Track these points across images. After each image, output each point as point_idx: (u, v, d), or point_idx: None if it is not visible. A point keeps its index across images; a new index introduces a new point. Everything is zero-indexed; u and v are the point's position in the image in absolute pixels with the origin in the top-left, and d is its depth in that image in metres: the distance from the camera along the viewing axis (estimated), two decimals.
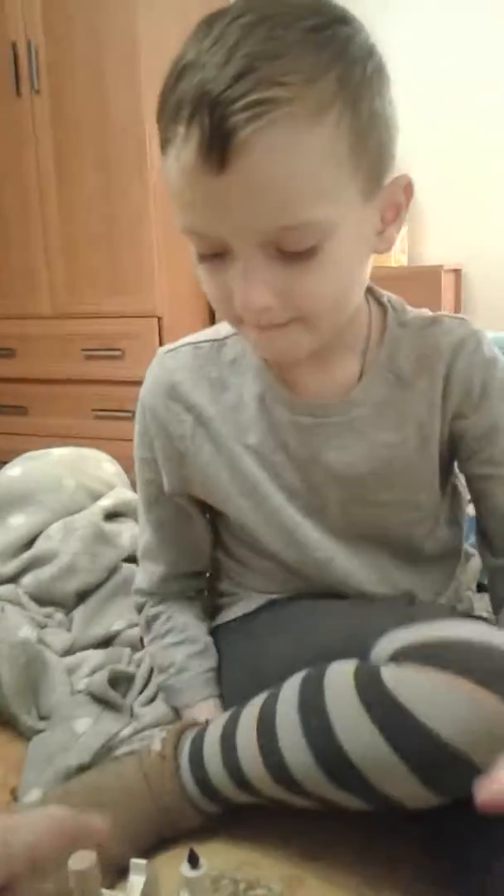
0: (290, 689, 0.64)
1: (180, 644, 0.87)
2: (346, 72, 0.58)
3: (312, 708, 0.61)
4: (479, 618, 0.74)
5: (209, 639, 0.88)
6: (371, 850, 0.68)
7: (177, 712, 0.86)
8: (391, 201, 0.67)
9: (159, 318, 2.50)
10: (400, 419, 0.75)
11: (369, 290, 0.76)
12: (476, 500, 0.82)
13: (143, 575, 0.92)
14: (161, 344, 2.48)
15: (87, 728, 0.84)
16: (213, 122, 0.55)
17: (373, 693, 0.58)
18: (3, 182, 2.59)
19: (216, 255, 0.63)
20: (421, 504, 0.79)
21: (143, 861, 0.56)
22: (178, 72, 0.58)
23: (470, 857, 0.59)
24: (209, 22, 0.58)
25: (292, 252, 0.60)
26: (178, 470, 0.82)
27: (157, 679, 0.90)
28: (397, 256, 2.48)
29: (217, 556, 0.90)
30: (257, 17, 0.56)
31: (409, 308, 0.78)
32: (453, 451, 0.79)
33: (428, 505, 0.80)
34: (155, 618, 0.90)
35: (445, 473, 0.81)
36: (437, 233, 2.50)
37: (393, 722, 0.56)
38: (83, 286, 2.58)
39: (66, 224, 2.55)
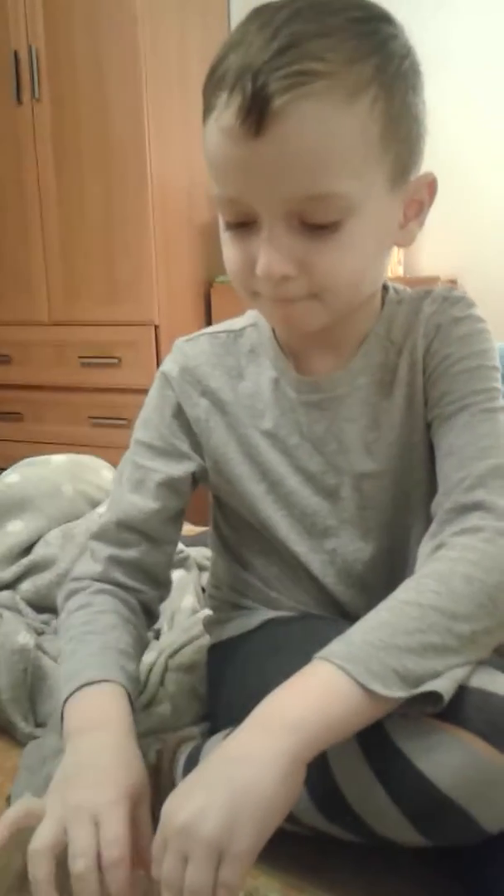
0: None
1: (97, 634, 0.74)
2: (385, 62, 0.62)
3: None
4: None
5: (135, 649, 0.77)
6: (371, 862, 0.68)
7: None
8: (415, 197, 0.70)
9: (156, 327, 2.51)
10: (395, 382, 0.77)
11: (384, 287, 0.79)
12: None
13: (86, 561, 0.82)
14: (158, 352, 2.49)
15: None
16: (254, 88, 0.58)
17: (373, 738, 0.57)
18: (3, 189, 2.59)
19: (243, 225, 0.65)
20: (415, 469, 0.77)
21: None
22: (228, 48, 0.62)
23: (483, 879, 0.59)
24: (258, 10, 0.62)
25: (316, 225, 0.63)
26: (195, 452, 0.82)
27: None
28: (394, 267, 2.50)
29: (219, 561, 0.90)
30: (306, 4, 0.60)
31: (410, 290, 0.80)
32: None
33: (418, 479, 0.77)
34: (85, 605, 0.77)
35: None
36: (433, 245, 2.51)
37: (392, 769, 0.56)
38: (80, 294, 2.58)
39: (64, 231, 2.56)
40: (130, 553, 0.80)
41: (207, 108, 0.64)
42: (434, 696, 0.55)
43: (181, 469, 0.81)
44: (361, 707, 0.55)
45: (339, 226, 0.63)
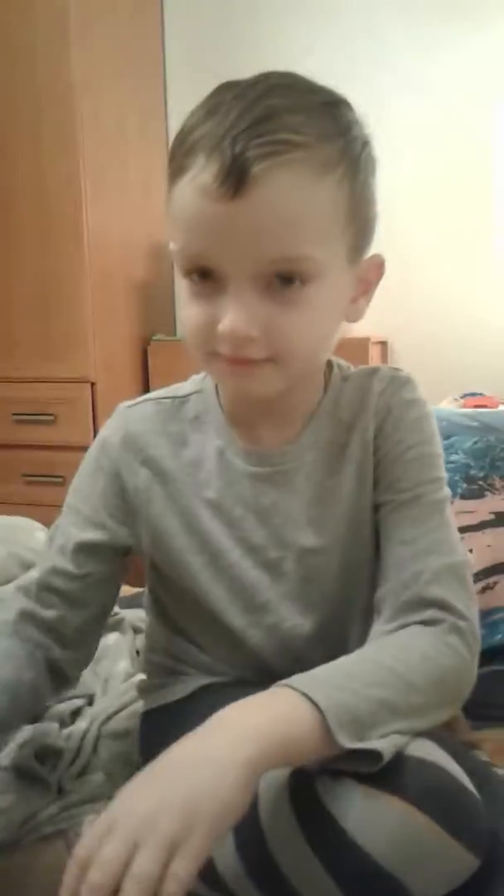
0: None
1: None
2: (350, 144, 0.67)
3: (245, 818, 0.57)
4: None
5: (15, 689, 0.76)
6: None
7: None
8: (365, 276, 0.74)
9: (93, 384, 2.50)
10: (344, 460, 0.78)
11: (327, 363, 0.81)
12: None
13: (5, 609, 0.82)
14: (94, 409, 2.48)
15: (9, 804, 0.81)
16: (234, 152, 0.61)
17: (308, 807, 0.57)
18: None
19: (207, 284, 0.67)
20: (363, 547, 0.79)
21: None
22: (201, 116, 0.65)
23: None
24: (229, 84, 0.66)
25: (285, 280, 0.65)
26: (130, 520, 0.81)
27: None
28: None
29: (154, 625, 0.89)
30: (277, 83, 0.65)
31: (353, 367, 0.83)
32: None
33: (365, 557, 0.79)
34: None
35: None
36: None
37: (326, 839, 0.56)
38: (15, 350, 2.56)
39: None
40: (48, 613, 0.80)
41: (179, 170, 0.66)
42: (373, 756, 0.57)
43: (108, 539, 0.80)
44: (316, 735, 0.57)
45: (305, 289, 0.66)
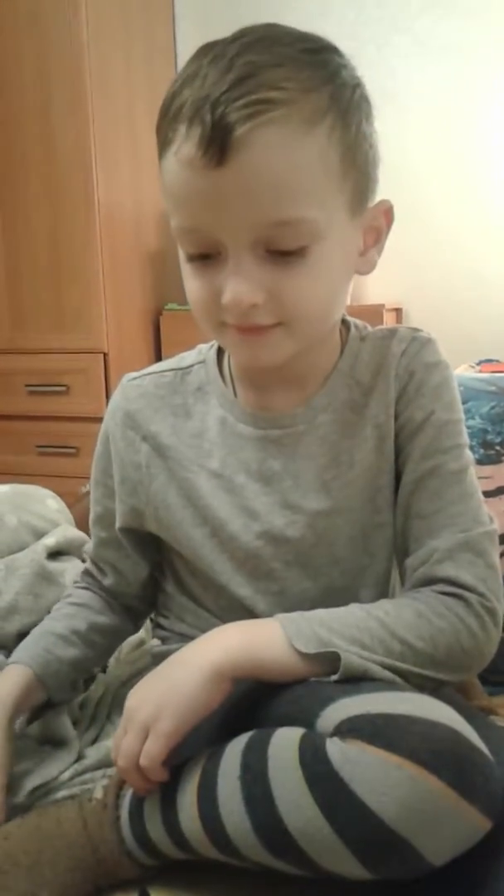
0: (234, 753, 0.62)
1: (51, 619, 0.89)
2: (338, 91, 0.63)
3: (255, 776, 0.59)
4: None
5: (90, 636, 0.88)
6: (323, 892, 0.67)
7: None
8: (373, 224, 0.71)
9: (105, 354, 2.49)
10: (362, 422, 0.77)
11: (342, 321, 0.79)
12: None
13: (87, 561, 0.94)
14: (107, 380, 2.48)
15: (23, 771, 0.82)
16: (214, 118, 0.59)
17: (317, 769, 0.56)
18: None
19: (206, 256, 0.65)
20: (378, 511, 0.78)
21: None
22: (181, 82, 0.62)
23: None
24: (208, 45, 0.63)
25: (282, 252, 0.63)
26: (129, 499, 0.82)
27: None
28: None
29: (166, 590, 0.88)
30: (256, 38, 0.62)
31: (370, 327, 0.81)
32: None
33: (380, 521, 0.78)
34: (67, 596, 0.92)
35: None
36: (379, 273, 2.54)
37: (335, 801, 0.55)
38: (28, 321, 2.56)
39: (10, 258, 2.54)
40: (106, 580, 0.90)
41: (164, 143, 0.64)
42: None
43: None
44: (283, 656, 0.66)
45: (305, 252, 0.64)
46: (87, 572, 0.93)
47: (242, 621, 0.71)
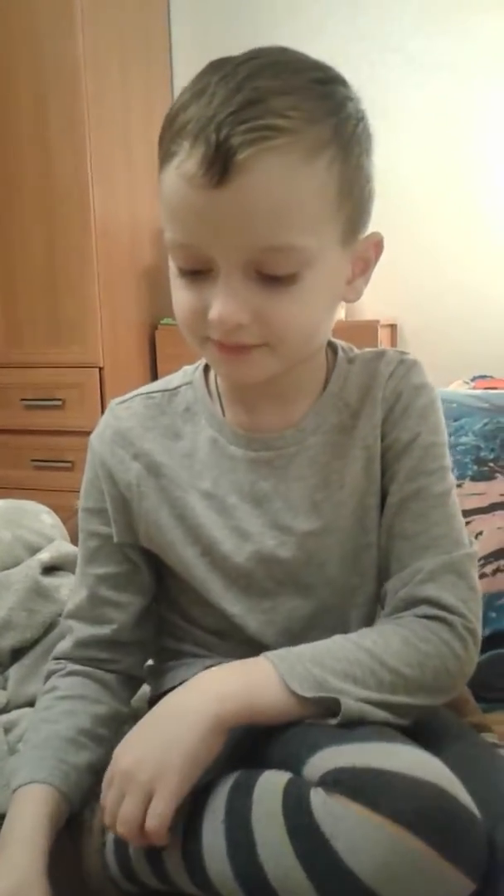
0: (220, 793, 0.62)
1: (50, 722, 0.76)
2: (342, 124, 0.64)
3: (238, 821, 0.59)
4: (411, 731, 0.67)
5: (97, 732, 0.77)
6: None
7: None
8: (362, 255, 0.72)
9: (100, 369, 2.50)
10: (350, 443, 0.77)
11: (328, 343, 0.80)
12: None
13: (67, 639, 0.83)
14: (102, 394, 2.48)
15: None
16: (218, 138, 0.59)
17: (299, 821, 0.56)
18: None
19: (197, 272, 0.66)
20: (366, 532, 0.78)
21: None
22: (189, 97, 0.62)
23: None
24: (218, 63, 0.63)
25: (273, 276, 0.64)
26: (124, 517, 0.81)
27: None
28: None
29: (161, 610, 0.88)
30: (267, 62, 0.62)
31: (356, 349, 0.81)
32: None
33: (368, 542, 0.79)
34: (48, 691, 0.80)
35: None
36: (373, 289, 2.55)
37: (315, 855, 0.54)
38: (23, 336, 2.56)
39: (6, 272, 2.55)
40: (104, 630, 0.81)
41: (167, 155, 0.65)
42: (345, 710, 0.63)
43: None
44: (281, 700, 0.65)
45: (295, 278, 0.64)
46: (68, 656, 0.82)
47: (233, 664, 0.69)
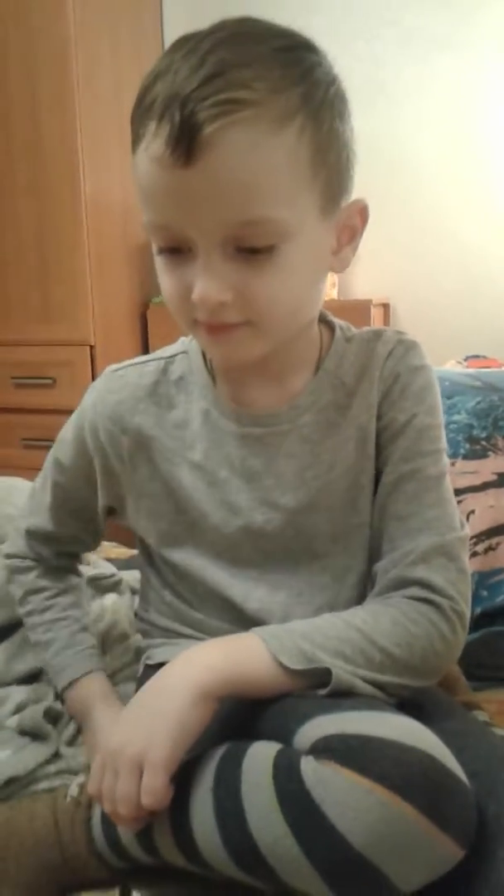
0: (208, 764, 0.62)
1: (62, 620, 0.90)
2: (310, 90, 0.63)
3: (227, 790, 0.59)
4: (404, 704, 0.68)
5: (88, 620, 0.93)
6: None
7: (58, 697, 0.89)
8: (347, 223, 0.71)
9: (91, 347, 2.48)
10: (344, 423, 0.77)
11: (321, 317, 0.79)
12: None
13: (22, 538, 0.94)
14: (94, 373, 2.46)
15: (5, 758, 0.81)
16: (182, 116, 0.58)
17: (289, 787, 0.56)
18: None
19: (178, 252, 0.65)
20: (358, 512, 0.78)
21: None
22: (154, 76, 0.62)
23: None
24: (183, 39, 0.62)
25: (251, 249, 0.63)
26: (111, 488, 0.82)
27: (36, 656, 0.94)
28: (328, 290, 2.53)
29: (146, 583, 0.88)
30: (229, 34, 0.61)
31: (354, 328, 0.81)
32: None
33: (360, 521, 0.78)
34: (37, 591, 0.92)
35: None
36: (366, 268, 2.55)
37: (305, 821, 0.54)
38: (13, 313, 2.54)
39: None
40: (49, 551, 0.93)
41: (136, 138, 0.64)
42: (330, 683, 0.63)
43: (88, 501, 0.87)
44: (269, 672, 0.65)
45: (274, 251, 0.63)
46: (26, 556, 0.94)
47: (220, 638, 0.69)
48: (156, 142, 0.60)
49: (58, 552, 0.94)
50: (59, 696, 0.90)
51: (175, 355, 0.82)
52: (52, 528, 0.91)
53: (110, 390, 0.81)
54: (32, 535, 0.93)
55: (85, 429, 0.82)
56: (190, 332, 0.71)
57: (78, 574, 0.98)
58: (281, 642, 0.65)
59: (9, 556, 0.95)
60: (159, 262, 0.68)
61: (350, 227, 0.71)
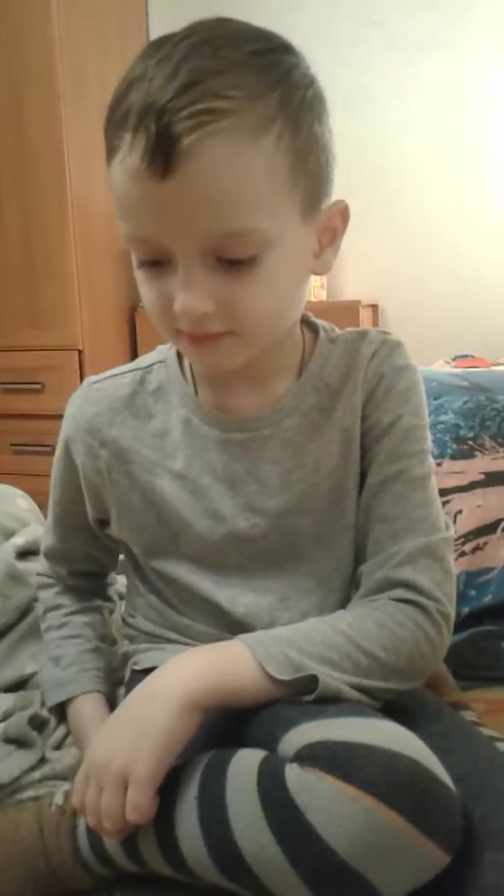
0: (193, 772, 0.62)
1: (73, 638, 0.89)
2: (288, 95, 0.61)
3: (212, 797, 0.59)
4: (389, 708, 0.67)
5: (103, 645, 0.90)
6: None
7: (59, 711, 0.87)
8: (328, 225, 0.70)
9: (80, 352, 2.48)
10: (328, 425, 0.76)
11: (303, 319, 0.78)
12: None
13: (44, 557, 0.95)
14: (82, 377, 2.46)
15: None
16: (158, 128, 0.57)
17: (274, 795, 0.55)
18: None
19: (158, 263, 0.64)
20: (344, 514, 0.78)
21: None
22: (127, 85, 0.60)
23: None
24: (157, 43, 0.61)
25: (233, 260, 0.62)
26: (96, 501, 0.82)
27: (42, 672, 0.92)
28: (317, 292, 2.53)
29: (132, 588, 0.87)
30: (203, 38, 0.59)
31: (339, 329, 0.80)
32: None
33: (345, 524, 0.78)
34: (55, 608, 0.92)
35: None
36: (355, 269, 2.56)
37: (290, 829, 0.54)
38: (1, 318, 2.54)
39: None
40: (65, 570, 0.93)
41: (111, 149, 0.62)
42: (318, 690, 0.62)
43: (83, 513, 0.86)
44: (255, 681, 0.64)
45: (256, 260, 0.62)
46: (50, 576, 0.94)
47: (206, 646, 0.68)
48: (132, 154, 0.59)
49: (72, 571, 0.93)
50: (46, 706, 0.89)
51: (152, 365, 0.81)
52: (60, 545, 0.91)
53: (87, 402, 0.80)
54: (47, 554, 0.93)
55: (67, 442, 0.82)
56: (173, 341, 0.70)
57: (104, 598, 0.97)
58: (267, 650, 0.64)
59: (38, 574, 0.96)
60: (139, 275, 0.67)
61: (331, 228, 0.70)
